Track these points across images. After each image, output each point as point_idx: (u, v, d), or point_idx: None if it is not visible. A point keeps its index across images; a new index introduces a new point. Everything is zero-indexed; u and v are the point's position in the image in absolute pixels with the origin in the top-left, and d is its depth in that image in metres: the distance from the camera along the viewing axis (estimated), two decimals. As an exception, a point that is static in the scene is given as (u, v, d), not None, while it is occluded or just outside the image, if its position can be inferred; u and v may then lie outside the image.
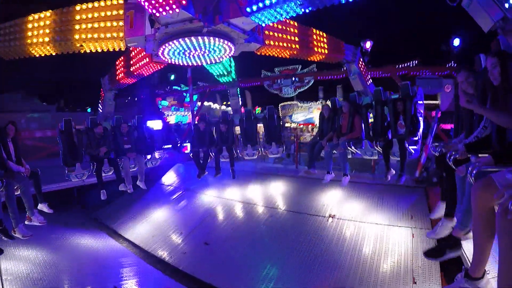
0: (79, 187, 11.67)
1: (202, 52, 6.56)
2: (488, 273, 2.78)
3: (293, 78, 20.53)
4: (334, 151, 7.78)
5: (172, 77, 28.23)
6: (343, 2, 5.13)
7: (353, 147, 7.80)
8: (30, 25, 5.90)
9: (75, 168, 7.66)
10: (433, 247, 3.40)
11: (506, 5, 4.03)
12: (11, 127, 5.63)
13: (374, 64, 17.59)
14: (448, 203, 3.96)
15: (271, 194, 11.00)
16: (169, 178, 14.21)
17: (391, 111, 7.09)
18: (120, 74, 8.74)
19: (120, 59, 8.51)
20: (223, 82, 9.97)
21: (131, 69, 8.27)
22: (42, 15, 5.87)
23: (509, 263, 2.19)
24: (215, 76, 9.81)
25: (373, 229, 8.25)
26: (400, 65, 18.44)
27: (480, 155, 3.03)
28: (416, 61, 19.46)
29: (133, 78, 8.87)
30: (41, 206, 6.21)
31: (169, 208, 11.95)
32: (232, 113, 10.69)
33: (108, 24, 5.79)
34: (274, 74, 21.09)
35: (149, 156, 8.94)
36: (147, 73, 8.51)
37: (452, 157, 3.40)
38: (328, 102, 8.49)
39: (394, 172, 7.37)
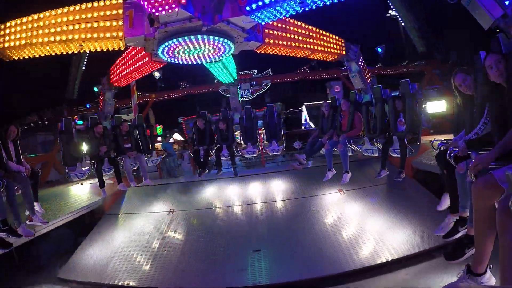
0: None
1: (201, 51, 6.56)
2: (491, 268, 2.78)
3: (252, 82, 21.76)
4: (335, 149, 7.80)
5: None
6: (343, 0, 5.13)
7: (353, 145, 7.83)
8: (30, 26, 5.89)
9: (76, 168, 7.69)
10: (452, 250, 3.40)
11: (507, 2, 4.03)
12: (13, 128, 5.64)
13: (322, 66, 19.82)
14: (452, 199, 4.00)
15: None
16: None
17: (391, 108, 7.10)
18: (120, 74, 8.73)
19: (119, 58, 8.50)
20: (223, 81, 9.96)
21: (131, 69, 8.26)
22: (41, 15, 5.86)
23: (510, 260, 2.20)
24: (215, 75, 9.80)
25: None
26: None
27: (480, 152, 3.03)
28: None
29: (132, 77, 8.88)
30: (35, 205, 6.10)
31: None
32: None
33: (108, 23, 5.77)
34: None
35: (149, 155, 8.98)
36: (147, 72, 8.51)
37: (452, 154, 3.42)
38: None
39: (387, 172, 7.41)
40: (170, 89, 21.38)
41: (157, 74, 22.11)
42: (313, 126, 21.97)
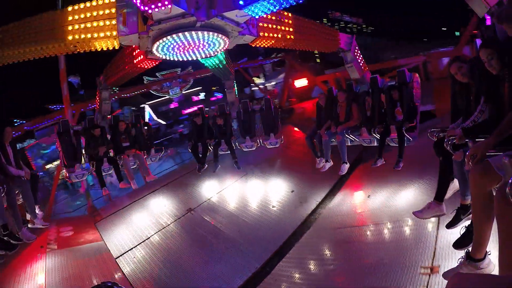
0: None
1: (196, 47, 6.55)
2: (489, 253, 2.84)
3: (179, 79, 23.31)
4: (333, 140, 7.84)
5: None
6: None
7: (351, 135, 7.85)
8: (23, 29, 5.85)
9: (75, 169, 7.69)
10: (460, 238, 3.44)
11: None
12: (9, 129, 5.62)
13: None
14: (439, 187, 4.05)
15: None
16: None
17: (388, 98, 7.12)
18: (116, 73, 8.71)
19: (115, 57, 8.47)
20: (219, 75, 9.95)
21: (126, 67, 8.24)
22: (35, 17, 5.81)
23: (508, 246, 2.24)
24: (211, 70, 9.78)
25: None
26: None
27: (477, 139, 3.05)
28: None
29: (128, 76, 8.86)
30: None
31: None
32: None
33: (101, 23, 5.73)
34: (158, 79, 22.60)
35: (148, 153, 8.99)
36: (143, 70, 8.49)
37: (450, 142, 3.44)
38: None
39: (384, 161, 7.44)
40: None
41: (75, 80, 21.84)
42: (163, 122, 24.99)
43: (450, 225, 3.90)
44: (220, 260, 8.15)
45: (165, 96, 24.57)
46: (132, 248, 8.54)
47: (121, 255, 8.23)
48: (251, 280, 7.42)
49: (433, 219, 5.63)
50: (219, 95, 28.26)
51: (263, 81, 25.08)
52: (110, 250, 8.38)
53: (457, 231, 3.55)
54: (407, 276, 5.52)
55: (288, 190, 10.52)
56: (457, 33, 22.03)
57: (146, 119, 21.14)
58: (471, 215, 3.52)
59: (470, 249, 2.92)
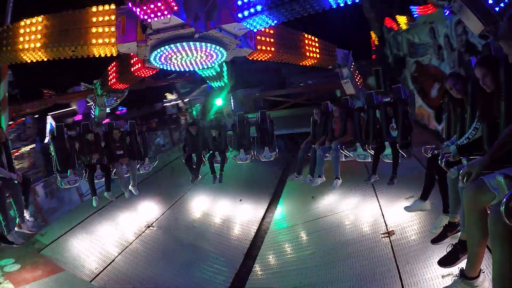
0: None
1: (194, 58, 6.56)
2: (483, 271, 2.81)
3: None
4: (327, 155, 7.83)
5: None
6: (334, 7, 5.18)
7: (345, 151, 7.86)
8: (22, 31, 5.84)
9: (68, 175, 7.61)
10: (446, 255, 3.41)
11: (497, 9, 4.10)
12: (1, 131, 5.56)
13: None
14: (444, 200, 4.07)
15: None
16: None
17: (383, 114, 7.16)
18: (112, 80, 8.69)
19: (112, 64, 8.46)
20: (215, 87, 9.96)
21: (123, 75, 8.23)
22: (34, 20, 5.81)
23: (502, 265, 2.22)
24: (208, 81, 9.79)
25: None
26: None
27: (471, 157, 3.06)
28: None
29: (125, 83, 8.84)
30: (24, 213, 5.96)
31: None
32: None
33: (100, 29, 5.74)
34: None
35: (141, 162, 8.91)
36: (139, 78, 8.48)
37: (444, 159, 3.45)
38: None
39: (377, 177, 7.45)
40: (29, 100, 17.33)
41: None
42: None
43: (435, 241, 3.92)
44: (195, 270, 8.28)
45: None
46: (99, 274, 8.40)
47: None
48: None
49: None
50: (123, 109, 25.85)
51: (176, 98, 24.48)
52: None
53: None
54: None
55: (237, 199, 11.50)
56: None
57: (47, 130, 18.97)
58: (458, 233, 3.54)
59: (464, 267, 2.87)
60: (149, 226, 9.88)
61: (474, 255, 2.73)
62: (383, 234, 8.15)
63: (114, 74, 8.43)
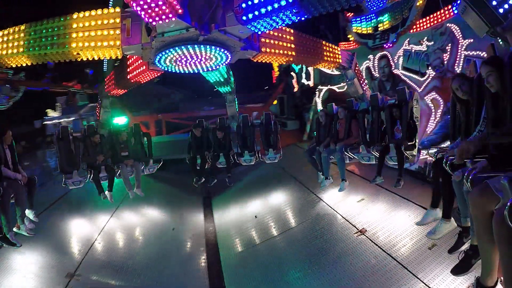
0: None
1: (198, 60, 6.58)
2: (501, 282, 2.60)
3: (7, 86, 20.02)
4: (332, 157, 7.82)
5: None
6: (338, 9, 5.17)
7: (350, 153, 7.84)
8: (27, 33, 5.89)
9: (72, 176, 7.64)
10: (458, 263, 3.32)
11: (501, 10, 4.08)
12: (9, 133, 5.61)
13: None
14: (444, 205, 4.00)
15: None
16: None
17: (388, 116, 7.12)
18: (117, 82, 8.75)
19: (117, 66, 8.53)
20: (220, 90, 9.98)
21: (128, 77, 8.27)
22: (39, 23, 5.86)
23: (509, 269, 2.19)
24: (212, 83, 9.82)
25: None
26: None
27: (476, 159, 3.04)
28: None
29: (129, 85, 8.89)
30: (28, 213, 6.00)
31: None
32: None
33: (105, 32, 5.79)
34: None
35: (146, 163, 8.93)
36: (144, 81, 8.53)
37: (448, 162, 3.42)
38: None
39: (382, 179, 7.38)
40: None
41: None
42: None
43: (452, 250, 3.78)
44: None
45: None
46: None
47: None
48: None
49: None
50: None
51: (59, 115, 20.21)
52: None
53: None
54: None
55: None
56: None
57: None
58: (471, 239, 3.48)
59: (479, 275, 2.74)
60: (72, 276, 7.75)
61: (487, 261, 2.62)
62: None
63: (119, 76, 8.49)
